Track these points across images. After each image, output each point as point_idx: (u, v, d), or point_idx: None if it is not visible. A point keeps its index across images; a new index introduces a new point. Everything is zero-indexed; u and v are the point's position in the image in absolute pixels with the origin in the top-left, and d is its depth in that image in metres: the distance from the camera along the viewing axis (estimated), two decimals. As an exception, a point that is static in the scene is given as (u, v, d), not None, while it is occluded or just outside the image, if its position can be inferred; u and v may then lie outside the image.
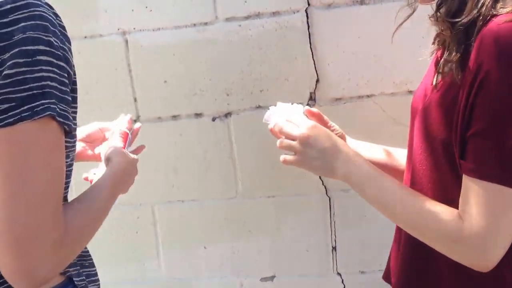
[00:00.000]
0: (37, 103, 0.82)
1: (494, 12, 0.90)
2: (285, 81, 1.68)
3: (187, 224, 1.85)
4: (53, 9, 0.90)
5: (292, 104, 1.25)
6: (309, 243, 1.79)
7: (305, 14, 1.63)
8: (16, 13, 0.83)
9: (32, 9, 0.83)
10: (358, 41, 1.62)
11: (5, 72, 0.81)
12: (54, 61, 0.85)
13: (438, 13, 1.00)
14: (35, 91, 0.82)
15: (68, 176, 0.99)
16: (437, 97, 1.01)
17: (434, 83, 1.06)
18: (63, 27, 0.91)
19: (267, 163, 1.74)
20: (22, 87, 0.81)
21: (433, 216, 0.95)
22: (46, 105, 0.83)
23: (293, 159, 1.18)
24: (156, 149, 1.80)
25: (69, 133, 0.90)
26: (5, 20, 0.82)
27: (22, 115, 0.81)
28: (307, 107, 1.26)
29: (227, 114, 1.75)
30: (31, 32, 0.82)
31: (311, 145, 1.13)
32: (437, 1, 1.01)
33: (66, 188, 0.98)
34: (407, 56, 1.59)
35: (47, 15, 0.85)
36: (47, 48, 0.84)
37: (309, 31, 1.64)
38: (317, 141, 1.13)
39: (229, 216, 1.82)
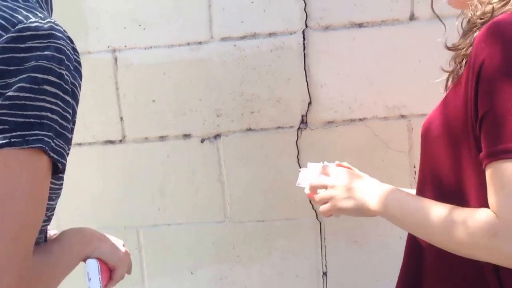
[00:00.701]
0: (31, 132, 0.79)
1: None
2: (277, 102, 1.67)
3: (174, 248, 1.78)
4: (73, 43, 0.88)
5: (322, 162, 1.27)
6: (300, 268, 1.74)
7: (302, 35, 1.63)
8: (35, 41, 0.81)
9: (52, 40, 0.82)
10: (353, 64, 1.63)
11: (8, 94, 0.78)
12: (61, 94, 0.83)
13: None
14: (32, 120, 0.79)
15: (49, 219, 0.94)
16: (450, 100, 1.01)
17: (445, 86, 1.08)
18: (79, 63, 0.89)
19: (257, 186, 1.72)
20: (20, 112, 0.78)
21: (467, 219, 0.93)
22: (40, 136, 0.79)
23: (328, 207, 1.17)
24: (142, 171, 1.75)
25: (61, 172, 0.86)
26: (22, 45, 0.80)
27: (12, 140, 0.77)
28: (337, 161, 1.29)
29: (217, 136, 1.72)
30: (44, 62, 0.80)
31: (340, 187, 1.13)
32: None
33: (42, 231, 0.94)
34: (401, 81, 1.62)
35: (65, 49, 0.84)
36: (57, 80, 0.82)
37: (304, 53, 1.64)
38: (345, 182, 1.14)
39: (217, 240, 1.76)
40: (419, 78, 1.57)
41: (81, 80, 0.89)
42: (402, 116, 1.64)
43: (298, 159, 1.69)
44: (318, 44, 1.63)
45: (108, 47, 1.71)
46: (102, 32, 1.70)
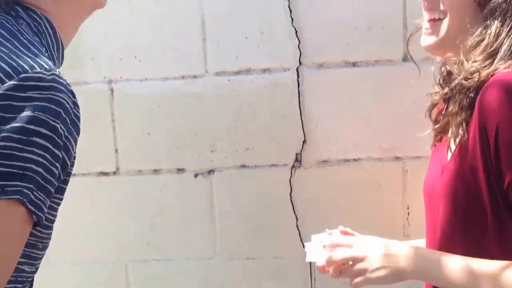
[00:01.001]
0: (12, 183, 0.79)
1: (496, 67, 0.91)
2: (271, 140, 1.65)
3: (162, 285, 1.76)
4: (75, 97, 0.88)
5: (326, 231, 1.28)
6: (289, 309, 1.71)
7: (296, 72, 1.61)
8: (36, 91, 0.81)
9: (53, 92, 0.82)
10: (348, 103, 1.60)
11: None
12: (51, 147, 0.82)
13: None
14: (15, 170, 0.79)
15: (36, 270, 0.95)
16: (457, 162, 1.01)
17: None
18: (78, 118, 0.89)
19: (248, 223, 1.69)
20: (5, 162, 0.78)
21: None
22: (19, 188, 0.79)
23: (363, 280, 1.15)
24: (133, 203, 1.74)
25: (38, 225, 0.85)
26: (22, 94, 0.80)
27: None
28: (341, 227, 1.30)
29: (210, 171, 1.70)
30: (40, 113, 0.81)
31: (371, 258, 1.12)
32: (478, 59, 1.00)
33: (26, 282, 0.94)
34: (396, 121, 1.58)
35: (65, 102, 0.84)
36: (49, 133, 0.82)
37: (298, 90, 1.62)
38: (374, 252, 1.13)
39: (205, 278, 1.73)
40: (413, 120, 1.52)
41: (78, 134, 0.90)
42: (397, 158, 1.60)
43: (291, 197, 1.67)
44: (312, 81, 1.61)
45: (104, 78, 1.71)
46: (98, 63, 1.71)
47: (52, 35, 0.98)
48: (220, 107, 1.66)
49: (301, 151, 1.64)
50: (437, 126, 1.17)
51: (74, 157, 0.92)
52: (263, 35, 1.61)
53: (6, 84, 0.80)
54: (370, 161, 1.62)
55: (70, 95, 0.86)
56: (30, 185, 0.80)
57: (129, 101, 1.71)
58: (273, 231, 1.68)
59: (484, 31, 1.00)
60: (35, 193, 0.81)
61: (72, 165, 0.92)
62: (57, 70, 0.87)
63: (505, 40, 0.97)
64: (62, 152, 0.85)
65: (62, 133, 0.84)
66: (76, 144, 0.90)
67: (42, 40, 0.95)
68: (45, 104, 0.81)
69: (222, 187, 1.70)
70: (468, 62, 1.00)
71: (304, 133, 1.63)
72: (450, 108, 1.04)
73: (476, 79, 0.96)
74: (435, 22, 1.11)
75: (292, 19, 1.58)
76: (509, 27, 0.98)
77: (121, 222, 1.74)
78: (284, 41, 1.60)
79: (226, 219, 1.70)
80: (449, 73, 1.16)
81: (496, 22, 0.99)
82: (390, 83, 1.55)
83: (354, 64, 1.58)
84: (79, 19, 1.07)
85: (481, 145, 0.95)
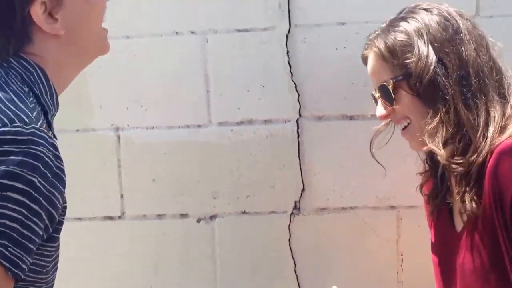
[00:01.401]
0: None
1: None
2: (271, 188, 1.71)
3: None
4: (57, 150, 0.88)
5: None
6: None
7: (296, 124, 1.68)
8: (13, 145, 0.81)
9: (30, 146, 0.82)
10: (345, 154, 1.67)
11: None
12: (27, 202, 0.82)
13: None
14: None
15: None
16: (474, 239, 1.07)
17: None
18: (62, 170, 0.89)
19: (248, 268, 1.74)
20: None
21: None
22: None
23: None
24: (137, 247, 1.79)
25: (21, 280, 0.85)
26: None
27: None
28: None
29: (212, 217, 1.76)
30: (15, 168, 0.80)
31: None
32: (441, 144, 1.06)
33: None
34: (391, 172, 1.63)
35: (43, 156, 0.84)
36: (25, 188, 0.81)
37: (298, 140, 1.68)
38: None
39: (206, 321, 1.78)
40: (408, 171, 1.58)
41: (63, 187, 0.90)
42: (392, 207, 1.66)
43: (289, 243, 1.72)
44: (311, 133, 1.68)
45: (112, 125, 1.77)
46: (105, 111, 1.77)
47: (45, 84, 0.98)
48: (223, 156, 1.73)
49: (300, 199, 1.70)
50: (435, 202, 1.23)
51: (64, 208, 0.93)
52: (264, 89, 1.68)
53: None
54: (366, 209, 1.68)
55: (50, 148, 0.85)
56: (3, 241, 0.79)
57: (135, 148, 1.77)
58: (272, 275, 1.73)
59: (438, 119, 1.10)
60: (10, 249, 0.80)
61: (62, 215, 0.92)
62: (39, 123, 0.87)
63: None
64: (46, 206, 0.85)
65: (41, 187, 0.83)
66: (62, 197, 0.90)
67: (35, 89, 0.96)
68: (20, 158, 0.80)
69: (223, 233, 1.75)
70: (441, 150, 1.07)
71: (303, 181, 1.70)
72: (453, 185, 1.09)
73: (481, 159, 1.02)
74: (406, 129, 1.25)
75: (292, 74, 1.66)
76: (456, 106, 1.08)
77: (125, 265, 1.79)
78: (284, 94, 1.67)
79: (227, 264, 1.76)
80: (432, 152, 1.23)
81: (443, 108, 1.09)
82: (384, 136, 1.61)
83: (351, 118, 1.65)
84: (82, 65, 1.09)
85: (497, 214, 1.00)
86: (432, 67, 1.09)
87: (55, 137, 1.00)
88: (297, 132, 1.68)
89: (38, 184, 0.83)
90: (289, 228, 1.71)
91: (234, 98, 1.70)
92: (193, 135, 1.73)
